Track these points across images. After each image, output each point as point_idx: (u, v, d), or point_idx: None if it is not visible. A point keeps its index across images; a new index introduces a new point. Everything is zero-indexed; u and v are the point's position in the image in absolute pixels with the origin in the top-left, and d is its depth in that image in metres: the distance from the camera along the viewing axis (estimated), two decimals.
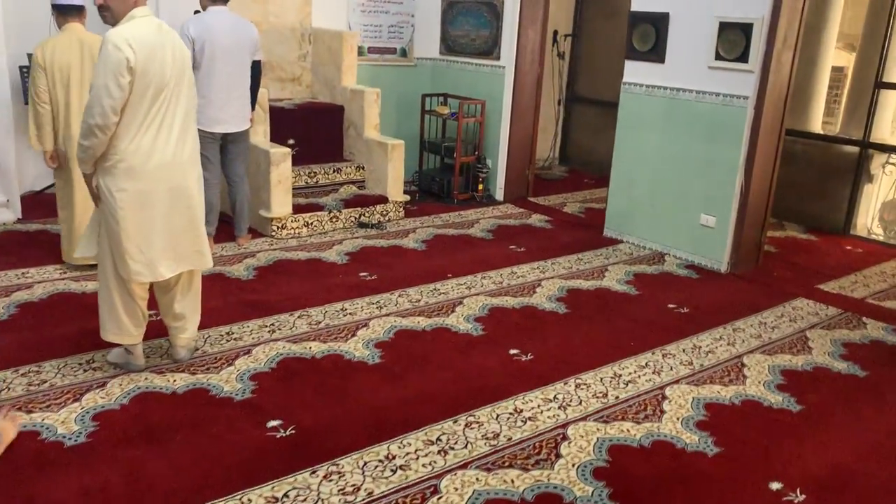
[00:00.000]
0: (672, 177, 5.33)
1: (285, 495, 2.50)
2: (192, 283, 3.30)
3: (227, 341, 3.60)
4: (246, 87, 4.76)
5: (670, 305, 4.45)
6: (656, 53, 5.29)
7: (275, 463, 2.68)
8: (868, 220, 6.45)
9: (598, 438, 2.96)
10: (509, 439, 2.92)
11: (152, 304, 3.29)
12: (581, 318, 4.19)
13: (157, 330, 3.48)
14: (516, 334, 3.90)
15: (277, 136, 5.58)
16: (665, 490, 2.69)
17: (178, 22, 4.45)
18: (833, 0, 6.48)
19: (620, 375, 3.51)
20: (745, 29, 4.74)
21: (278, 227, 5.28)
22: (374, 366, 3.45)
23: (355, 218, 5.67)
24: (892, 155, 6.24)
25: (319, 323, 3.87)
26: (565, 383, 3.40)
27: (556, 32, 7.93)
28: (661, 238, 5.48)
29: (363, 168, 6.09)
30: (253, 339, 3.64)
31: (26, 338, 3.50)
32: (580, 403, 3.23)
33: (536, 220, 6.23)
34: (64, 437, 2.75)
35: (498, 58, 6.60)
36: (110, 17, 2.92)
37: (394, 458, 2.75)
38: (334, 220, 5.55)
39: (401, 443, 2.84)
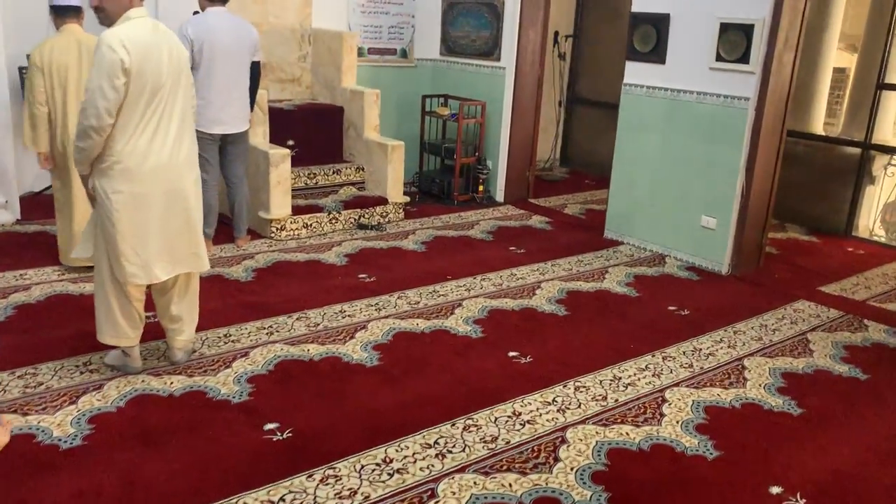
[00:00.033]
0: (673, 178, 5.31)
1: (281, 499, 2.48)
2: (190, 286, 3.28)
3: (225, 343, 3.58)
4: (245, 88, 4.75)
5: (671, 307, 4.43)
6: (657, 54, 5.27)
7: (271, 466, 2.66)
8: (870, 222, 6.43)
9: (596, 442, 2.94)
10: (507, 443, 2.90)
11: (150, 305, 3.28)
12: (581, 320, 4.17)
13: (154, 332, 3.47)
14: (515, 337, 3.88)
15: (277, 137, 5.56)
16: (664, 494, 2.67)
17: (178, 23, 4.44)
18: (835, 0, 6.45)
19: (620, 378, 3.49)
20: (746, 30, 4.72)
21: (277, 229, 5.26)
22: (372, 368, 3.44)
23: (355, 219, 5.66)
24: (894, 156, 6.21)
25: (318, 325, 3.85)
26: (564, 386, 3.38)
27: (556, 33, 7.91)
28: (662, 240, 5.46)
29: (363, 169, 6.08)
30: (251, 341, 3.63)
31: (23, 340, 3.48)
32: (579, 406, 3.21)
33: (537, 221, 6.22)
34: (59, 439, 2.73)
35: (498, 59, 6.58)
36: (105, 18, 2.91)
37: (391, 461, 2.73)
38: (334, 221, 5.54)
39: (398, 446, 2.83)
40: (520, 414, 3.11)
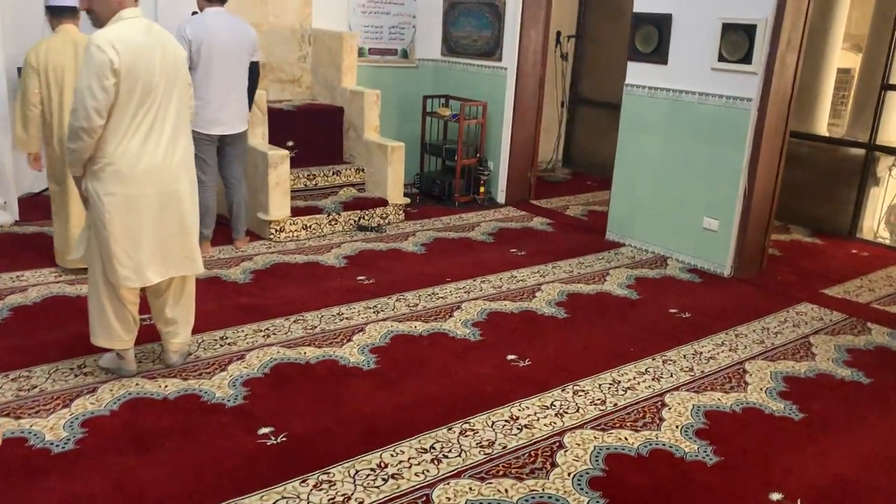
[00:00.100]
0: (675, 179, 5.27)
1: None
2: (185, 289, 3.26)
3: (221, 346, 3.56)
4: (244, 88, 4.73)
5: (672, 310, 4.39)
6: (659, 55, 5.23)
7: (265, 471, 2.63)
8: (874, 224, 6.37)
9: (594, 447, 2.90)
10: (504, 447, 2.86)
11: (145, 308, 3.26)
12: (581, 323, 4.14)
13: (149, 334, 3.44)
14: (514, 340, 3.85)
15: (276, 138, 5.54)
16: (663, 500, 2.63)
17: (176, 23, 4.43)
18: (839, 1, 6.40)
19: (619, 382, 3.46)
20: (749, 30, 4.68)
21: (276, 230, 5.24)
22: (369, 371, 3.41)
23: (354, 221, 5.63)
24: None
25: (315, 328, 3.83)
26: (563, 390, 3.34)
27: (559, 33, 7.88)
28: (664, 241, 5.42)
29: (363, 170, 6.05)
30: (247, 343, 3.60)
31: (18, 342, 3.46)
32: (577, 411, 3.17)
33: (538, 223, 6.18)
34: (52, 443, 2.71)
35: (500, 59, 6.55)
36: (96, 19, 2.88)
37: (386, 466, 2.70)
38: (333, 223, 5.51)
39: (394, 451, 2.79)
40: (517, 418, 3.08)
